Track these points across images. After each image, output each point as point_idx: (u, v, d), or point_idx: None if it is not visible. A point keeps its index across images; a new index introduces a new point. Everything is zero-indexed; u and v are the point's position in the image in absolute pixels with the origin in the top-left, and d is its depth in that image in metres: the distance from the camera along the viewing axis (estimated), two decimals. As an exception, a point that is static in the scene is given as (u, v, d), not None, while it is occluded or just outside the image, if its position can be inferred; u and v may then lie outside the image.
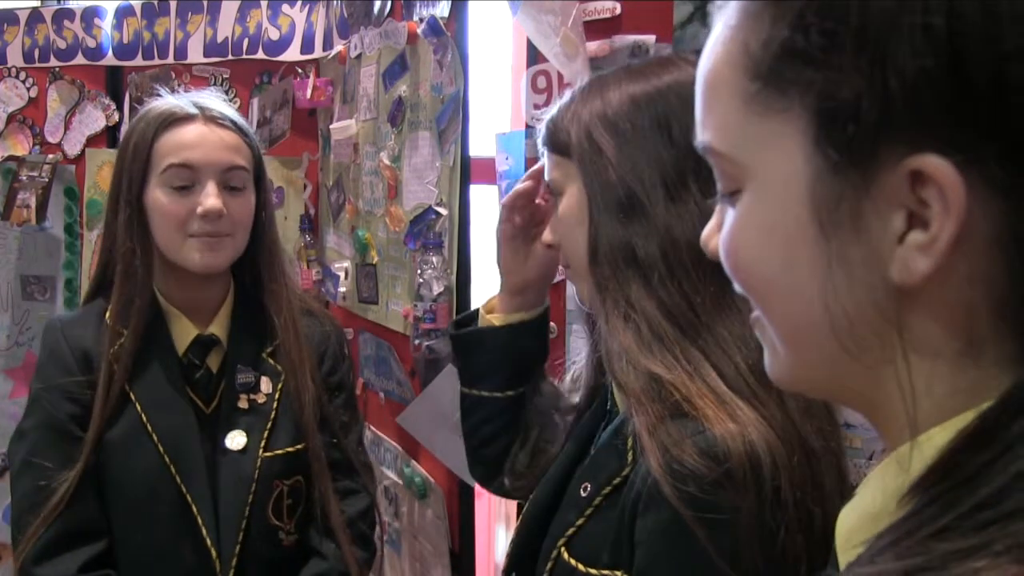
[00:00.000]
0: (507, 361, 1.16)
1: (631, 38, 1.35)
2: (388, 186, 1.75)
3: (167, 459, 1.29)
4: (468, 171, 1.53)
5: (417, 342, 1.56)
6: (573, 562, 0.89)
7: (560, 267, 1.11)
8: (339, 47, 1.97)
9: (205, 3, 2.25)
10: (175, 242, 1.31)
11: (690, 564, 0.78)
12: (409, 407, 1.69)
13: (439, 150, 1.58)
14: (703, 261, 0.86)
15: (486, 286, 1.70)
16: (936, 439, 0.42)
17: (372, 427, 1.89)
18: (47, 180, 2.35)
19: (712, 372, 0.83)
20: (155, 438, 1.29)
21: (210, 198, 1.29)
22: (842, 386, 0.48)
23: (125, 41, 2.36)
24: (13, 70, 2.48)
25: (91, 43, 2.39)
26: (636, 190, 0.89)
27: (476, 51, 1.55)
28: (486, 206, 1.66)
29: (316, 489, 1.37)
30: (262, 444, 1.34)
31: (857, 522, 0.47)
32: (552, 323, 1.32)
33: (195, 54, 2.27)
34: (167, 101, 1.35)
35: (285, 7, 2.14)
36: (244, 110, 2.17)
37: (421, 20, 1.59)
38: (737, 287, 0.51)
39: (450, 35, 1.53)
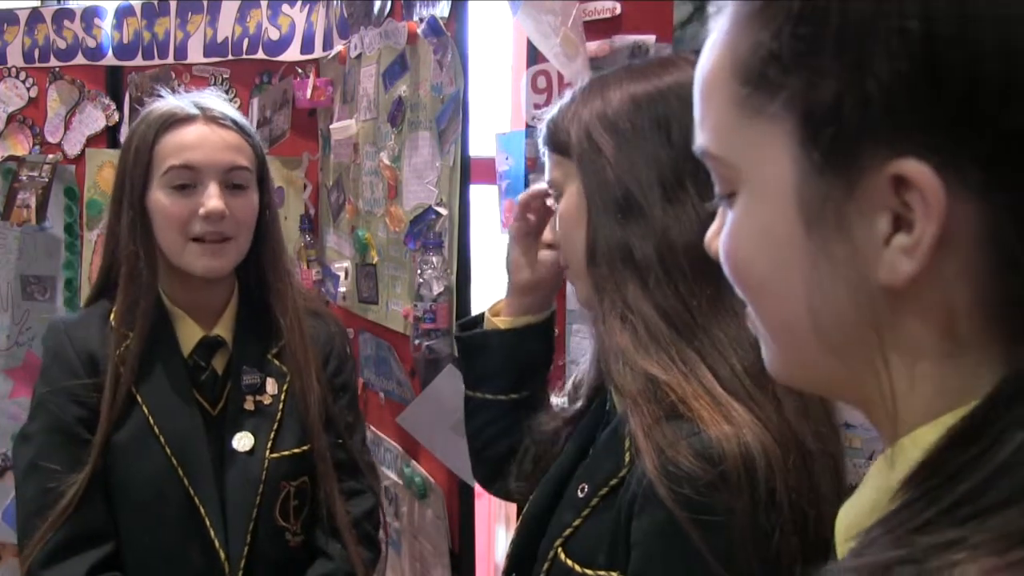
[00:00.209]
0: (511, 364, 1.15)
1: (631, 38, 1.35)
2: (388, 186, 1.75)
3: (174, 461, 1.29)
4: (468, 171, 1.53)
5: (417, 342, 1.56)
6: (570, 563, 0.89)
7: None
8: (339, 47, 1.97)
9: (205, 3, 2.25)
10: (177, 245, 1.31)
11: (685, 565, 0.78)
12: (409, 407, 1.69)
13: (439, 150, 1.58)
14: (699, 264, 0.86)
15: (486, 286, 1.70)
16: (923, 438, 0.43)
17: (372, 427, 1.89)
18: (47, 180, 2.35)
19: (708, 374, 0.83)
20: (162, 440, 1.29)
21: (212, 199, 1.28)
22: (834, 384, 0.50)
23: (125, 41, 2.36)
24: (13, 70, 2.48)
25: (91, 43, 2.39)
26: (634, 191, 0.89)
27: (476, 51, 1.55)
28: (486, 206, 1.66)
29: (322, 490, 1.37)
30: (268, 445, 1.34)
31: (854, 518, 0.48)
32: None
33: (195, 54, 2.27)
34: (168, 102, 1.35)
35: (285, 7, 2.14)
36: (244, 110, 2.17)
37: (421, 20, 1.59)
38: (736, 289, 0.52)
39: (450, 35, 1.53)
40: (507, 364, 1.15)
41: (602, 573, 0.86)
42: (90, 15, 2.38)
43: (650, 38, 1.35)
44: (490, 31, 2.02)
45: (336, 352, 1.46)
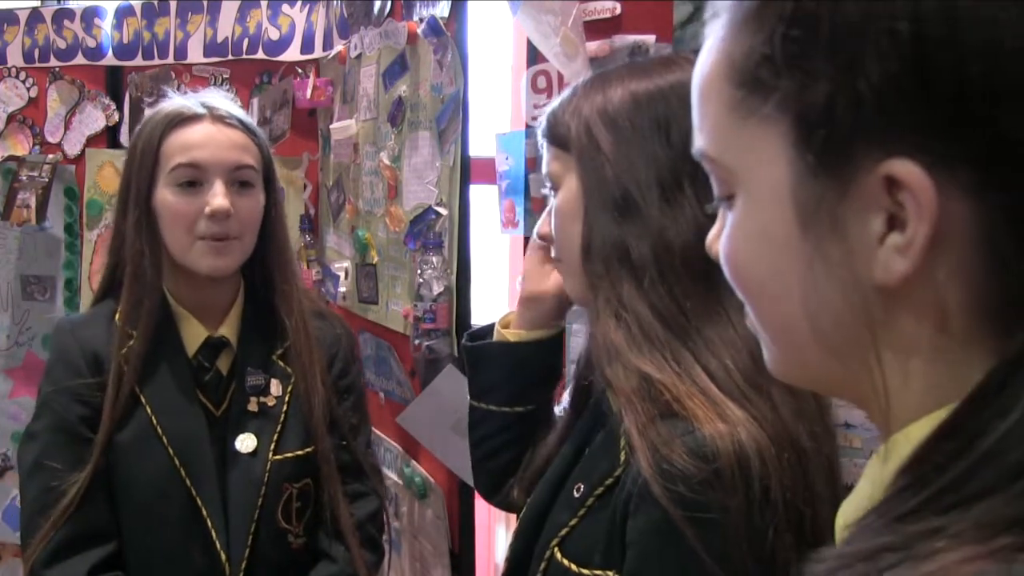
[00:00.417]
0: (516, 378, 1.14)
1: (631, 38, 1.35)
2: (388, 186, 1.75)
3: (177, 462, 1.29)
4: (468, 171, 1.53)
5: (417, 342, 1.56)
6: (566, 562, 0.89)
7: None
8: (339, 47, 1.97)
9: (205, 3, 2.25)
10: (183, 244, 1.31)
11: (680, 564, 0.78)
12: (409, 407, 1.69)
13: (439, 150, 1.58)
14: (694, 265, 0.86)
15: (486, 286, 1.70)
16: (915, 433, 0.44)
17: (372, 427, 1.89)
18: (47, 180, 2.35)
19: (702, 373, 0.83)
20: (165, 441, 1.29)
21: (217, 197, 1.28)
22: (833, 382, 0.51)
23: (125, 41, 2.36)
24: (13, 70, 2.47)
25: (91, 43, 2.39)
26: (631, 190, 0.89)
27: (476, 51, 1.55)
28: (486, 206, 1.66)
29: (325, 492, 1.37)
30: (272, 447, 1.34)
31: (852, 512, 0.48)
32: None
33: (195, 54, 2.27)
34: (174, 102, 1.35)
35: (285, 7, 2.14)
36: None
37: (421, 20, 1.59)
38: (736, 291, 0.52)
39: (450, 35, 1.53)
40: (512, 377, 1.14)
41: (598, 572, 0.86)
42: (90, 15, 2.38)
43: (650, 38, 1.35)
44: (490, 31, 2.02)
45: (342, 354, 1.46)
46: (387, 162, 1.73)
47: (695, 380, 0.83)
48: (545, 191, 1.03)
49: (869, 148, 0.42)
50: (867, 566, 0.40)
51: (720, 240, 0.52)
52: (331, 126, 1.99)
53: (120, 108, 2.39)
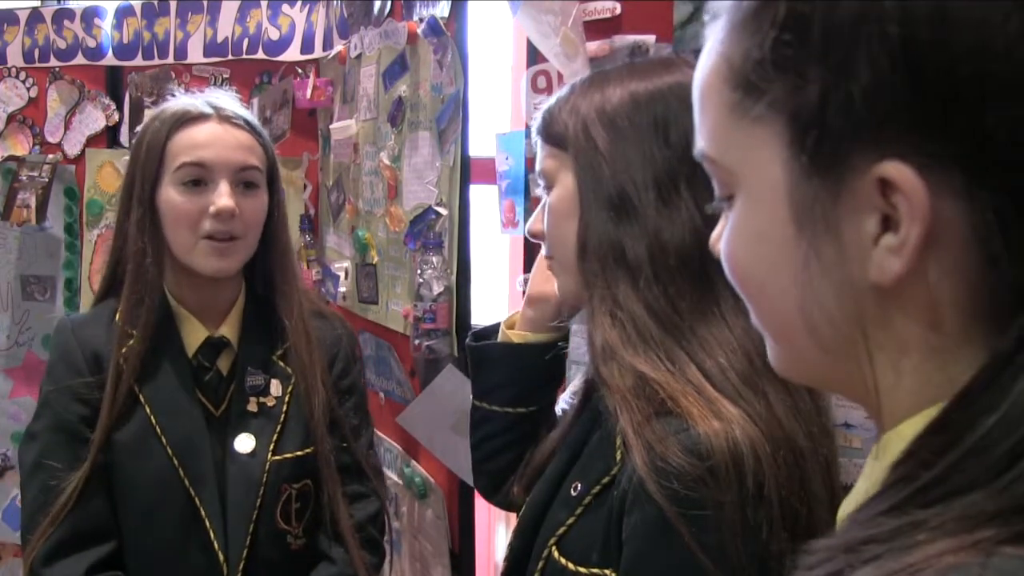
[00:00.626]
0: (519, 379, 1.14)
1: (631, 38, 1.35)
2: (388, 186, 1.75)
3: (175, 462, 1.29)
4: (468, 171, 1.53)
5: (417, 342, 1.56)
6: (563, 561, 0.89)
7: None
8: (339, 47, 1.97)
9: (205, 3, 2.25)
10: (187, 243, 1.31)
11: (675, 561, 0.78)
12: (409, 407, 1.69)
13: (439, 150, 1.57)
14: (690, 266, 0.86)
15: (486, 286, 1.70)
16: (906, 430, 0.45)
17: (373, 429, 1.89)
18: (47, 180, 2.35)
19: (697, 372, 0.83)
20: (164, 440, 1.29)
21: (222, 197, 1.28)
22: (831, 381, 0.52)
23: (125, 41, 2.36)
24: (13, 70, 2.47)
25: (91, 43, 2.39)
26: (628, 190, 0.89)
27: (476, 51, 1.55)
28: (486, 206, 1.66)
29: (325, 493, 1.37)
30: (271, 447, 1.34)
31: (851, 508, 0.49)
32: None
33: (195, 54, 2.27)
34: (181, 100, 1.35)
35: (285, 7, 2.14)
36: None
37: (421, 20, 1.59)
38: (738, 291, 0.53)
39: (450, 35, 1.53)
40: (515, 378, 1.14)
41: (595, 571, 0.86)
42: (90, 15, 2.38)
43: (650, 38, 1.35)
44: (490, 31, 2.03)
45: (343, 354, 1.46)
46: (387, 162, 1.73)
47: (690, 379, 0.83)
48: (539, 191, 1.03)
49: (862, 150, 0.43)
50: (851, 557, 0.41)
51: (721, 240, 0.53)
52: (331, 126, 1.99)
53: (120, 108, 2.39)
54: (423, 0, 1.61)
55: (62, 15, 2.41)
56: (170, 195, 1.30)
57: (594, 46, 1.36)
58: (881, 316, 0.45)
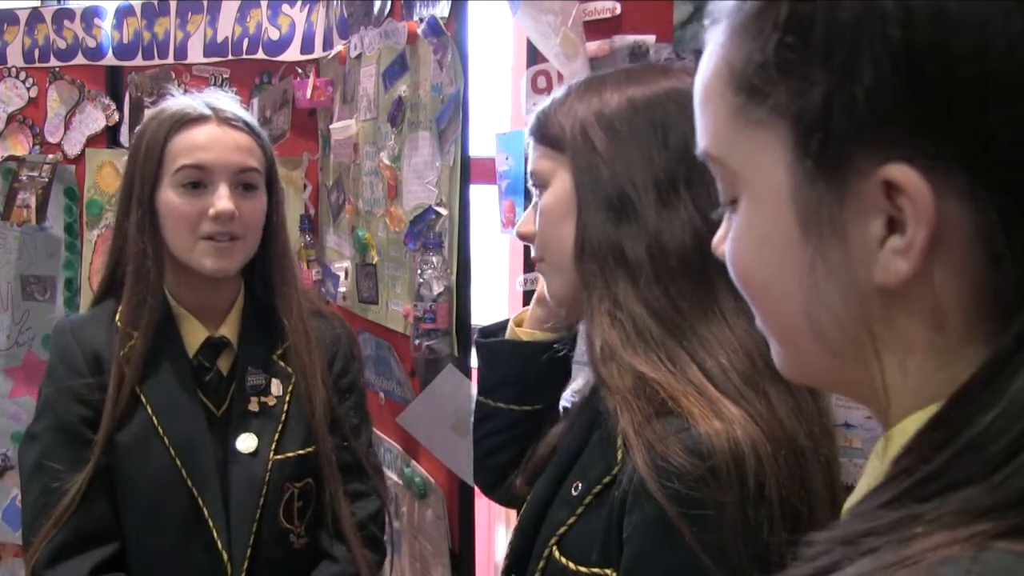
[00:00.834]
0: (525, 377, 1.14)
1: (631, 38, 1.35)
2: (388, 186, 1.74)
3: (178, 462, 1.29)
4: (468, 171, 1.53)
5: (417, 342, 1.56)
6: (564, 560, 0.89)
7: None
8: (339, 47, 1.97)
9: (205, 3, 2.25)
10: (186, 244, 1.31)
11: (676, 561, 0.78)
12: (409, 407, 1.69)
13: (439, 150, 1.57)
14: (690, 266, 0.87)
15: (486, 286, 1.70)
16: (909, 427, 0.45)
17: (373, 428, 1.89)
18: (47, 180, 2.35)
19: (698, 372, 0.83)
20: (166, 441, 1.29)
21: (222, 199, 1.29)
22: (837, 381, 0.52)
23: (125, 41, 2.35)
24: (13, 70, 2.47)
25: (91, 43, 2.39)
26: (628, 191, 0.89)
27: (476, 51, 1.54)
28: (486, 206, 1.66)
29: (326, 492, 1.37)
30: (272, 447, 1.34)
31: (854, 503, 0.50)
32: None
33: (195, 54, 2.27)
34: (180, 101, 1.35)
35: (285, 7, 2.14)
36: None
37: (421, 20, 1.59)
38: (742, 293, 0.53)
39: (450, 35, 1.53)
40: (520, 376, 1.14)
41: (596, 570, 0.86)
42: (90, 15, 2.38)
43: (650, 38, 1.35)
44: (490, 31, 2.03)
45: (342, 353, 1.46)
46: (387, 162, 1.73)
47: (691, 379, 0.83)
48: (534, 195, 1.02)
49: (866, 152, 0.43)
50: (849, 549, 0.41)
51: (725, 243, 0.53)
52: (331, 126, 1.99)
53: (120, 108, 2.39)
54: (423, 0, 1.61)
55: (62, 15, 2.41)
56: (169, 197, 1.30)
57: (594, 46, 1.36)
58: (886, 317, 0.45)
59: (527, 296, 1.55)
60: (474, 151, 1.55)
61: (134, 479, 1.29)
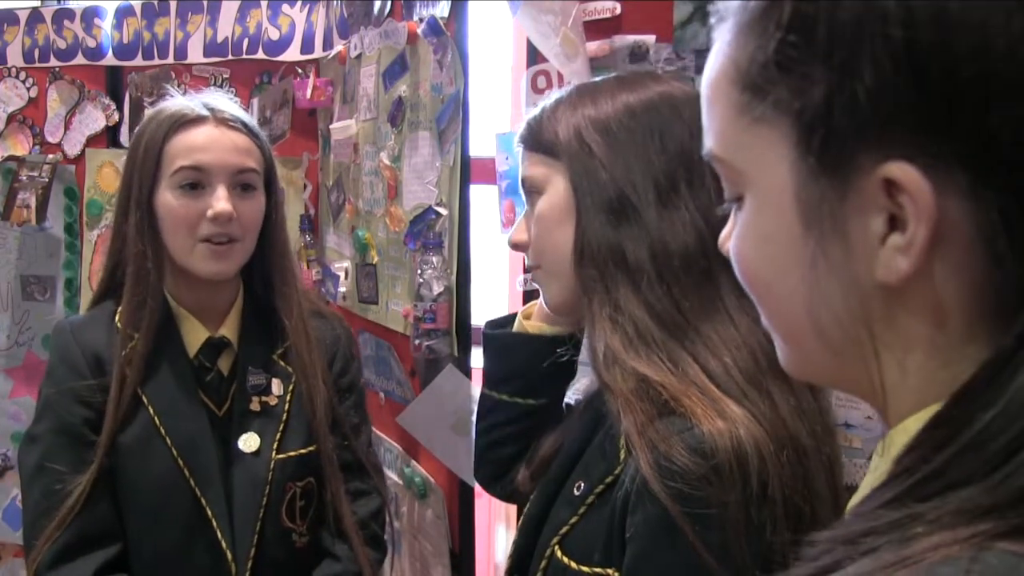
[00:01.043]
0: (531, 371, 1.13)
1: (631, 38, 1.35)
2: (388, 186, 1.75)
3: (180, 462, 1.29)
4: (468, 171, 1.53)
5: (417, 342, 1.56)
6: (566, 560, 0.89)
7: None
8: (339, 47, 1.97)
9: (205, 3, 2.25)
10: (185, 246, 1.31)
11: (679, 560, 0.78)
12: (409, 407, 1.69)
13: (439, 150, 1.57)
14: (692, 266, 0.87)
15: (486, 286, 1.70)
16: (911, 427, 0.45)
17: (372, 427, 1.89)
18: (47, 180, 2.35)
19: (700, 373, 0.83)
20: (168, 441, 1.29)
21: (220, 201, 1.29)
22: (839, 379, 0.52)
23: (125, 41, 2.35)
24: (13, 70, 2.47)
25: (91, 43, 2.39)
26: (628, 193, 0.89)
27: (476, 51, 1.54)
28: (486, 206, 1.66)
29: (328, 491, 1.37)
30: (274, 446, 1.34)
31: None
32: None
33: (195, 54, 2.27)
34: (178, 102, 1.35)
35: (285, 7, 2.14)
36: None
37: (421, 20, 1.59)
38: (747, 290, 0.54)
39: (450, 35, 1.53)
40: (526, 369, 1.13)
41: (598, 570, 0.86)
42: (90, 15, 2.38)
43: (650, 38, 1.35)
44: (490, 31, 2.03)
45: (342, 353, 1.46)
46: (387, 162, 1.73)
47: (693, 380, 0.83)
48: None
49: (867, 150, 0.43)
50: (850, 549, 0.41)
51: (730, 240, 0.54)
52: (331, 126, 1.99)
53: (120, 108, 2.39)
54: (423, 0, 1.61)
55: (62, 15, 2.41)
56: (167, 199, 1.30)
57: (594, 46, 1.36)
58: (887, 315, 0.46)
59: (527, 296, 1.55)
60: (474, 151, 1.55)
61: (136, 480, 1.29)
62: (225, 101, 1.38)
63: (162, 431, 1.29)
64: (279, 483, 1.33)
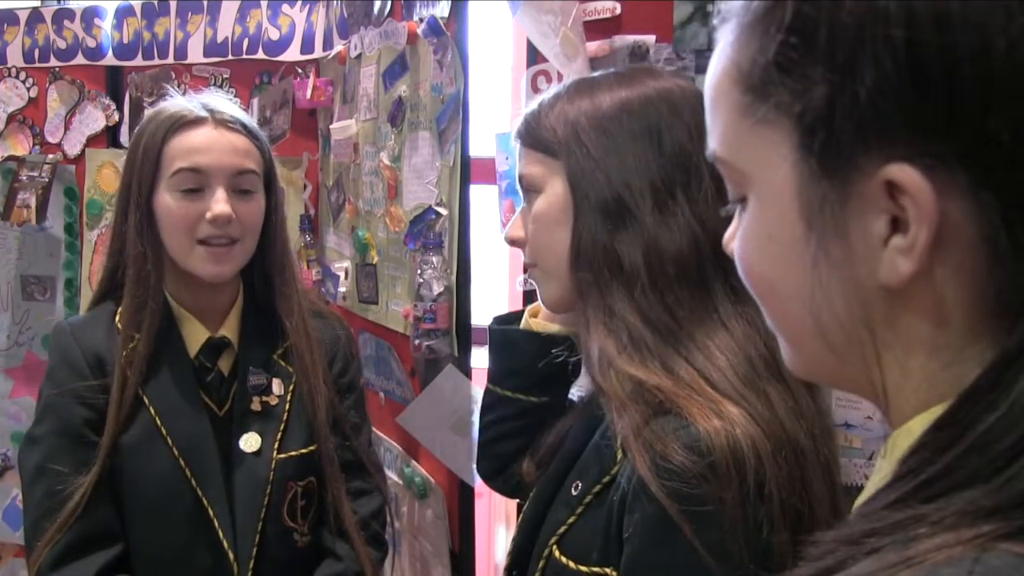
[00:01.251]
0: (536, 367, 1.13)
1: (631, 38, 1.35)
2: (388, 186, 1.75)
3: (182, 462, 1.29)
4: (468, 171, 1.53)
5: (417, 342, 1.56)
6: (564, 560, 0.89)
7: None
8: (339, 47, 1.97)
9: (205, 3, 2.25)
10: (184, 248, 1.31)
11: (675, 558, 0.78)
12: (409, 407, 1.69)
13: (439, 150, 1.57)
14: (688, 272, 0.86)
15: (486, 286, 1.70)
16: (915, 428, 0.45)
17: (372, 427, 1.89)
18: (47, 180, 2.35)
19: (697, 376, 0.83)
20: (169, 441, 1.29)
21: (219, 203, 1.29)
22: (842, 380, 0.52)
23: (125, 41, 2.36)
24: (13, 70, 2.47)
25: (91, 43, 2.39)
26: (625, 197, 0.89)
27: (476, 51, 1.55)
28: (486, 206, 1.66)
29: (329, 490, 1.37)
30: (275, 446, 1.34)
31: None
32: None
33: (195, 54, 2.27)
34: (177, 103, 1.35)
35: (285, 7, 2.14)
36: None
37: (421, 20, 1.59)
38: (750, 291, 0.54)
39: (450, 35, 1.53)
40: (531, 366, 1.13)
41: (596, 569, 0.86)
42: (90, 15, 2.38)
43: (650, 38, 1.35)
44: (490, 31, 2.03)
45: (342, 353, 1.47)
46: (387, 162, 1.73)
47: (689, 383, 0.83)
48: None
49: (868, 152, 0.43)
50: (853, 549, 0.42)
51: (734, 241, 0.54)
52: (331, 126, 1.99)
53: (120, 108, 2.39)
54: (423, 0, 1.61)
55: (62, 15, 2.41)
56: (166, 201, 1.30)
57: (594, 46, 1.36)
58: (888, 316, 0.46)
59: (527, 296, 1.55)
60: (474, 151, 1.55)
61: (138, 480, 1.29)
62: (225, 102, 1.37)
63: (163, 432, 1.29)
64: (280, 483, 1.33)
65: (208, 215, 1.28)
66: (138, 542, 1.30)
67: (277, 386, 1.38)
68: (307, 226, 2.15)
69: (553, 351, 1.08)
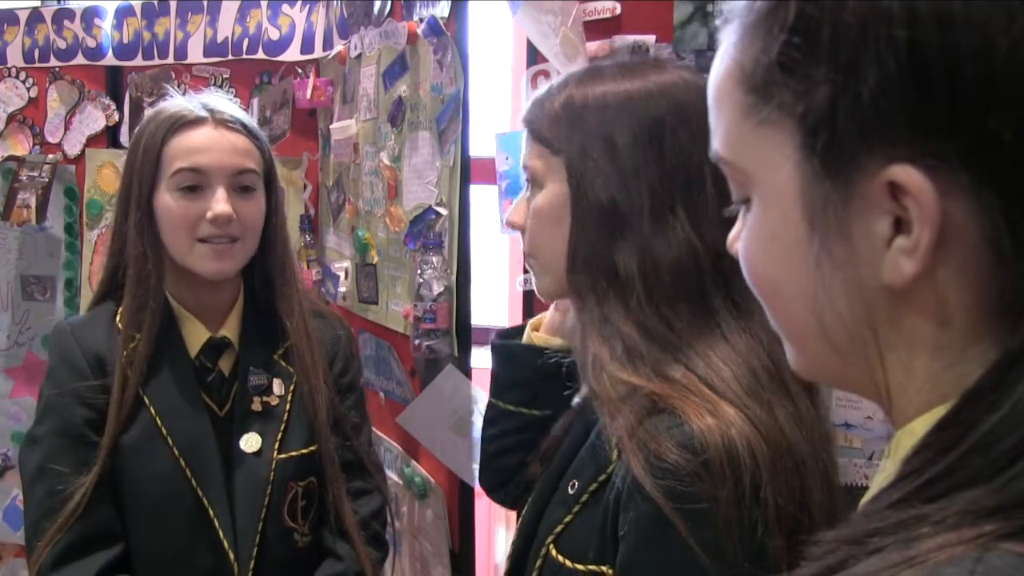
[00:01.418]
0: (537, 381, 1.13)
1: (631, 38, 1.36)
2: (388, 186, 1.75)
3: (182, 462, 1.29)
4: (468, 171, 1.53)
5: (417, 342, 1.56)
6: (561, 559, 0.89)
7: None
8: (339, 47, 1.97)
9: (205, 3, 2.25)
10: (184, 247, 1.31)
11: (671, 557, 0.78)
12: (409, 407, 1.69)
13: (439, 150, 1.57)
14: (686, 285, 0.86)
15: (486, 286, 1.70)
16: (918, 428, 0.45)
17: (372, 427, 1.89)
18: (47, 180, 2.35)
19: (695, 379, 0.83)
20: (170, 441, 1.29)
21: (219, 203, 1.29)
22: (846, 381, 0.52)
23: (125, 41, 2.35)
24: (13, 70, 2.47)
25: (91, 43, 2.39)
26: (622, 204, 0.88)
27: (476, 51, 1.54)
28: (486, 206, 1.66)
29: (329, 490, 1.38)
30: (276, 446, 1.35)
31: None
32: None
33: (195, 54, 2.27)
34: (177, 103, 1.35)
35: (285, 7, 2.14)
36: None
37: (421, 20, 1.59)
38: (754, 292, 0.54)
39: (450, 35, 1.53)
40: (532, 379, 1.13)
41: (592, 568, 0.86)
42: (90, 15, 2.38)
43: (650, 38, 1.35)
44: (490, 31, 2.03)
45: (342, 353, 1.47)
46: (387, 162, 1.73)
47: (685, 385, 0.83)
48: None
49: (870, 152, 0.43)
50: (855, 549, 0.42)
51: (738, 242, 0.54)
52: (331, 126, 1.99)
53: (120, 108, 2.39)
54: (423, 0, 1.61)
55: (62, 15, 2.41)
56: (167, 200, 1.30)
57: (594, 46, 1.36)
58: (891, 316, 0.46)
59: (527, 296, 1.55)
60: (474, 151, 1.55)
61: (138, 481, 1.29)
62: (224, 102, 1.37)
63: (164, 432, 1.29)
64: (280, 483, 1.33)
65: (208, 215, 1.28)
66: (138, 542, 1.30)
67: (278, 386, 1.38)
68: (307, 226, 2.15)
69: (553, 364, 1.07)
